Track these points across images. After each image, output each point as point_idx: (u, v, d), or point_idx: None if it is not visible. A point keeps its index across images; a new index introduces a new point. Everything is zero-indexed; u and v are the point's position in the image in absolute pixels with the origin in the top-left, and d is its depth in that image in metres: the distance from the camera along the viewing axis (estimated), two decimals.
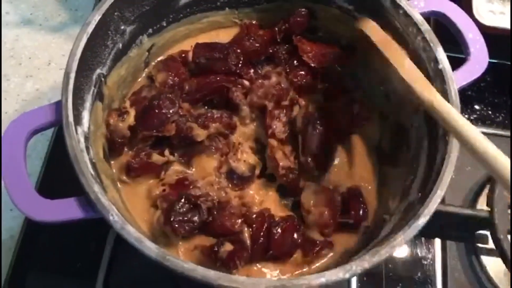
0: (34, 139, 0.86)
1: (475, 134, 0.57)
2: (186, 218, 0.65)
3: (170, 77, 0.73)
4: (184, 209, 0.65)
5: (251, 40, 0.78)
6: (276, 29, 0.79)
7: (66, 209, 0.56)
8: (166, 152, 0.72)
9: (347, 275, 0.53)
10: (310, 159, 0.73)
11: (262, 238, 0.66)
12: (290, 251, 0.67)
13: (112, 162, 0.72)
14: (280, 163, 0.72)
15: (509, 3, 0.84)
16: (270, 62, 0.80)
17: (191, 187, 0.69)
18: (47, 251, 0.77)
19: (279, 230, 0.67)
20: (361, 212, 0.70)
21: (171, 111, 0.71)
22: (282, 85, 0.76)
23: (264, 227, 0.67)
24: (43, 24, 0.98)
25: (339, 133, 0.76)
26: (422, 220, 0.56)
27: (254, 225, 0.67)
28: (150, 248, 0.52)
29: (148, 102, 0.71)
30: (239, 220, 0.68)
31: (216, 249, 0.64)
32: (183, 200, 0.65)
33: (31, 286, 0.74)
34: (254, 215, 0.68)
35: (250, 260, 0.66)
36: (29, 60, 0.94)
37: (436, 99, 0.61)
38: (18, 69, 0.93)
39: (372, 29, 0.71)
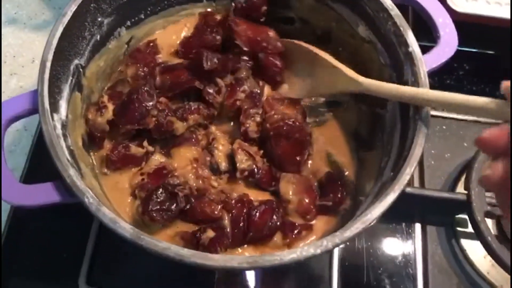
0: (18, 134, 0.88)
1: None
2: (164, 207, 0.65)
3: (140, 69, 0.74)
4: (162, 198, 0.66)
5: (213, 34, 0.78)
6: (232, 12, 0.79)
7: (43, 193, 0.57)
8: (145, 143, 0.73)
9: (318, 251, 0.54)
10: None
11: (242, 223, 0.67)
12: (270, 233, 0.68)
13: (92, 154, 0.73)
14: (241, 166, 0.71)
15: None
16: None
17: (169, 176, 0.70)
18: (33, 241, 0.78)
19: (257, 213, 0.68)
20: (339, 195, 0.71)
21: (150, 104, 0.71)
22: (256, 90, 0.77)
23: (244, 212, 0.68)
24: (27, 22, 1.00)
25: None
26: (391, 196, 0.56)
27: (233, 211, 0.68)
28: (125, 228, 0.53)
29: (126, 97, 0.72)
30: (219, 206, 0.68)
31: (198, 235, 0.65)
32: (160, 189, 0.66)
33: (15, 281, 0.75)
34: (233, 201, 0.69)
35: (231, 245, 0.67)
36: (13, 58, 0.96)
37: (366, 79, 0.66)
38: (2, 67, 0.94)
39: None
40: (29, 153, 0.84)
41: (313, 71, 0.75)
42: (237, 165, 0.71)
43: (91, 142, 0.72)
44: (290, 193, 0.71)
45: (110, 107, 0.71)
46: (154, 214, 0.65)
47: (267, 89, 0.79)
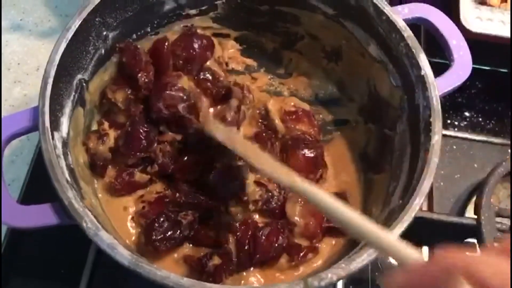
0: (20, 145, 0.87)
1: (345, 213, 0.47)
2: (167, 235, 0.64)
3: (129, 92, 0.71)
4: (165, 226, 0.64)
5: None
6: None
7: (41, 215, 0.56)
8: (149, 169, 0.71)
9: (322, 283, 0.52)
10: None
11: (247, 246, 0.66)
12: (277, 255, 0.66)
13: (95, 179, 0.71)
14: (251, 198, 0.69)
15: (497, 10, 0.83)
16: None
17: (170, 205, 0.68)
18: (31, 257, 0.76)
19: (263, 234, 0.66)
20: None
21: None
22: None
23: (249, 234, 0.67)
24: (32, 29, 0.98)
25: None
26: (399, 228, 0.55)
27: (238, 233, 0.67)
28: (123, 254, 0.52)
29: (130, 127, 0.70)
30: (224, 230, 0.67)
31: (204, 262, 0.64)
32: (163, 216, 0.65)
33: None
34: (238, 224, 0.68)
35: (236, 269, 0.66)
36: (18, 65, 0.94)
37: (296, 179, 0.54)
38: (6, 74, 0.93)
39: (216, 129, 0.66)
40: (30, 163, 0.83)
41: None
42: (248, 198, 0.69)
43: (92, 170, 0.70)
44: (297, 215, 0.69)
45: (112, 134, 0.70)
46: (158, 244, 0.64)
47: (275, 104, 0.78)
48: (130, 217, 0.70)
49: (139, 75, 0.71)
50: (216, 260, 0.63)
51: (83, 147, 0.69)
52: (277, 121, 0.76)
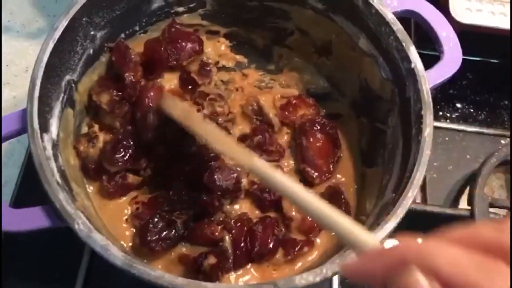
0: (11, 147, 0.86)
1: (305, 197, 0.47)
2: (162, 236, 0.64)
3: (114, 95, 0.71)
4: (160, 226, 0.64)
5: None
6: None
7: (32, 218, 0.56)
8: (142, 172, 0.71)
9: (317, 279, 0.52)
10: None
11: (243, 242, 0.66)
12: (274, 247, 0.66)
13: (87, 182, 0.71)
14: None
15: (486, 1, 0.83)
16: None
17: (164, 204, 0.68)
18: (25, 261, 0.75)
19: (260, 228, 0.66)
20: (343, 208, 0.70)
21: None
22: None
23: (244, 230, 0.67)
24: (20, 31, 0.97)
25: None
26: (393, 222, 0.55)
27: (233, 231, 0.67)
28: (116, 255, 0.52)
29: (121, 136, 0.69)
30: (219, 227, 0.67)
31: (199, 261, 0.64)
32: (157, 217, 0.65)
33: None
34: (233, 221, 0.68)
35: (233, 267, 0.66)
36: (6, 67, 0.93)
37: (255, 160, 0.53)
38: None
39: (170, 105, 0.64)
40: (22, 165, 0.82)
41: None
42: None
43: (85, 173, 0.70)
44: (293, 209, 0.69)
45: (101, 137, 0.69)
46: (153, 245, 0.64)
47: (267, 99, 0.78)
48: (125, 218, 0.69)
49: (126, 74, 0.70)
50: (212, 260, 0.63)
51: (74, 150, 0.69)
52: (271, 115, 0.77)
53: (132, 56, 0.72)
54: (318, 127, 0.75)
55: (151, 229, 0.63)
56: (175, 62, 0.75)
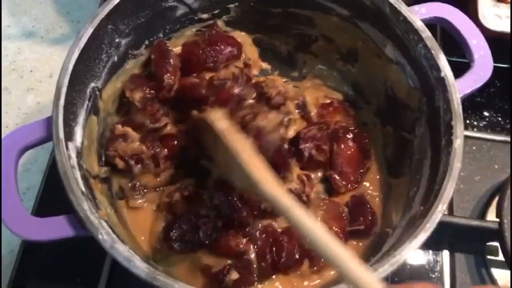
0: (35, 153, 0.86)
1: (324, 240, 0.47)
2: (185, 238, 0.65)
3: (147, 92, 0.71)
4: (185, 228, 0.65)
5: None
6: None
7: (56, 228, 0.56)
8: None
9: None
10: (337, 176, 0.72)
11: (268, 254, 0.65)
12: (300, 258, 0.66)
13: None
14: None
15: None
16: None
17: (201, 205, 0.68)
18: (47, 265, 0.76)
19: (285, 238, 0.66)
20: (369, 217, 0.69)
21: None
22: None
23: (270, 241, 0.66)
24: (44, 36, 0.98)
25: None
26: (422, 236, 0.54)
27: (258, 242, 0.66)
28: (140, 267, 0.51)
29: None
30: (244, 240, 0.66)
31: (221, 276, 0.63)
32: (185, 217, 0.65)
33: None
34: (258, 232, 0.67)
35: (258, 280, 0.65)
36: (31, 73, 0.94)
37: (283, 193, 0.51)
38: (19, 82, 0.93)
39: (217, 117, 0.61)
40: (45, 171, 0.82)
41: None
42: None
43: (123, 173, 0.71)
44: (319, 219, 0.69)
45: (130, 131, 0.70)
46: (173, 244, 0.64)
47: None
48: (151, 221, 0.69)
49: (166, 76, 0.71)
50: (234, 275, 0.62)
51: (110, 154, 0.69)
52: (313, 114, 0.77)
53: (171, 60, 0.72)
54: (351, 136, 0.74)
55: (176, 227, 0.64)
56: (212, 64, 0.75)
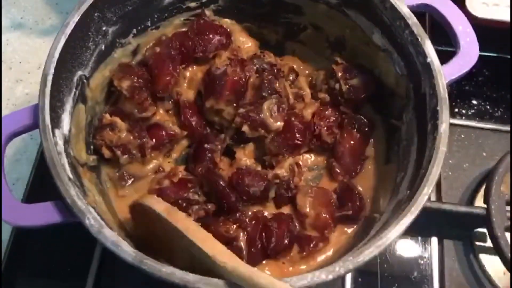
0: (24, 143, 0.86)
1: None
2: None
3: (135, 81, 0.71)
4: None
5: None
6: None
7: (43, 214, 0.56)
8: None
9: (330, 277, 0.51)
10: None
11: (258, 240, 0.66)
12: (289, 243, 0.66)
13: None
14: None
15: None
16: None
17: (191, 190, 0.68)
18: (37, 255, 0.76)
19: (275, 224, 0.66)
20: (357, 202, 0.70)
21: None
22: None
23: (259, 228, 0.66)
24: (33, 28, 0.98)
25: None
26: (407, 219, 0.54)
27: (248, 229, 0.66)
28: (127, 251, 0.51)
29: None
30: (234, 226, 0.66)
31: None
32: (175, 202, 0.65)
33: None
34: (247, 219, 0.67)
35: (249, 264, 0.65)
36: (20, 64, 0.94)
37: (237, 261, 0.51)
38: (8, 73, 0.92)
39: (152, 202, 0.58)
40: (35, 162, 0.82)
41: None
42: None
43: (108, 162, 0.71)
44: (308, 206, 0.69)
45: (118, 121, 0.69)
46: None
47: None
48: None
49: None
50: None
51: (98, 143, 0.69)
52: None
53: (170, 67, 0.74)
54: (356, 124, 0.74)
55: None
56: (201, 54, 0.76)
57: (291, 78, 0.78)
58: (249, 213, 0.69)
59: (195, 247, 0.52)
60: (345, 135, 0.74)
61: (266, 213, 0.70)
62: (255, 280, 0.49)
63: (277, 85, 0.71)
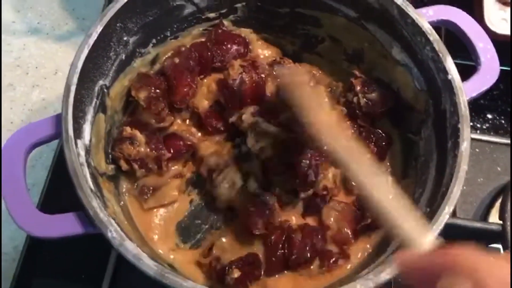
0: (39, 149, 0.85)
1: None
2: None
3: (152, 91, 0.71)
4: None
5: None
6: None
7: (65, 225, 0.56)
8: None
9: None
10: None
11: (281, 250, 0.66)
12: (311, 257, 0.66)
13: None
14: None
15: None
16: None
17: None
18: (52, 262, 0.76)
19: (299, 236, 0.66)
20: (369, 220, 0.69)
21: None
22: None
23: (283, 238, 0.66)
24: (50, 33, 0.98)
25: None
26: (429, 238, 0.54)
27: (272, 237, 0.66)
28: (149, 265, 0.52)
29: None
30: (261, 221, 0.66)
31: (223, 275, 0.64)
32: None
33: None
34: (273, 227, 0.67)
35: (266, 273, 0.66)
36: (36, 69, 0.94)
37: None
38: (24, 78, 0.93)
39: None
40: (50, 168, 0.82)
41: None
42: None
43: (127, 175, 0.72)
44: (332, 219, 0.69)
45: (138, 134, 0.69)
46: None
47: None
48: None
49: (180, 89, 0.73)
50: (235, 274, 0.62)
51: (116, 155, 0.70)
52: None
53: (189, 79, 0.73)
54: (373, 138, 0.74)
55: None
56: (219, 64, 0.76)
57: (311, 84, 0.78)
58: (277, 220, 0.68)
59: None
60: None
61: (293, 222, 0.70)
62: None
63: None
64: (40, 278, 0.75)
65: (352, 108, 0.75)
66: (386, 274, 0.52)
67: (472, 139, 0.84)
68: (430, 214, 0.57)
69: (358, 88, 0.73)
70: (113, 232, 0.53)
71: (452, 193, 0.56)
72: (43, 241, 0.76)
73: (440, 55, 0.64)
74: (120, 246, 0.53)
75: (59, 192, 0.78)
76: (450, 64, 0.64)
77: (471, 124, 0.87)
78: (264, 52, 0.82)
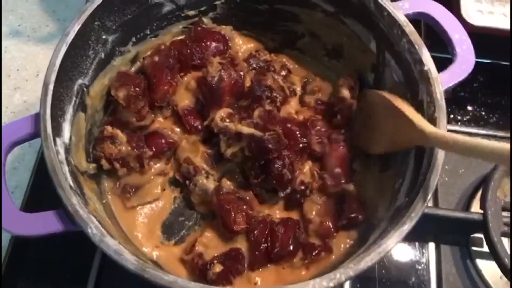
0: (22, 151, 0.86)
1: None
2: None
3: (131, 90, 0.71)
4: None
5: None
6: None
7: (45, 223, 0.56)
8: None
9: (331, 284, 0.52)
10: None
11: (264, 244, 0.66)
12: (294, 249, 0.67)
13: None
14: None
15: (498, 3, 0.82)
16: None
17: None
18: (37, 262, 0.76)
19: (281, 229, 0.67)
20: (355, 206, 0.70)
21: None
22: None
23: (266, 232, 0.67)
24: (31, 35, 0.98)
25: None
26: (407, 226, 0.55)
27: (255, 231, 0.66)
28: (129, 260, 0.52)
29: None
30: (243, 219, 0.66)
31: (205, 270, 0.64)
32: None
33: None
34: (256, 221, 0.68)
35: (249, 267, 0.66)
36: (17, 72, 0.94)
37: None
38: (6, 81, 0.92)
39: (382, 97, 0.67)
40: (33, 170, 0.82)
41: (390, 124, 0.67)
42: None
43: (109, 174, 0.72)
44: (313, 213, 0.70)
45: (119, 134, 0.69)
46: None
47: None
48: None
49: (161, 87, 0.73)
50: (217, 268, 0.63)
51: (97, 153, 0.70)
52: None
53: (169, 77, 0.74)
54: (343, 137, 0.74)
55: None
56: (199, 61, 0.76)
57: (283, 73, 0.79)
58: (260, 215, 0.69)
59: (404, 119, 0.61)
60: (333, 147, 0.74)
61: (277, 217, 0.71)
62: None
63: (267, 81, 0.72)
64: (25, 278, 0.75)
65: (330, 105, 0.76)
66: (366, 262, 0.53)
67: (453, 131, 0.87)
68: (409, 203, 0.57)
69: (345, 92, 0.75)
70: (93, 229, 0.53)
71: (429, 181, 0.57)
72: (27, 242, 0.76)
73: (416, 46, 0.65)
74: (101, 242, 0.53)
75: (42, 193, 0.78)
76: (426, 55, 0.64)
77: (452, 116, 0.90)
78: (245, 49, 0.82)
